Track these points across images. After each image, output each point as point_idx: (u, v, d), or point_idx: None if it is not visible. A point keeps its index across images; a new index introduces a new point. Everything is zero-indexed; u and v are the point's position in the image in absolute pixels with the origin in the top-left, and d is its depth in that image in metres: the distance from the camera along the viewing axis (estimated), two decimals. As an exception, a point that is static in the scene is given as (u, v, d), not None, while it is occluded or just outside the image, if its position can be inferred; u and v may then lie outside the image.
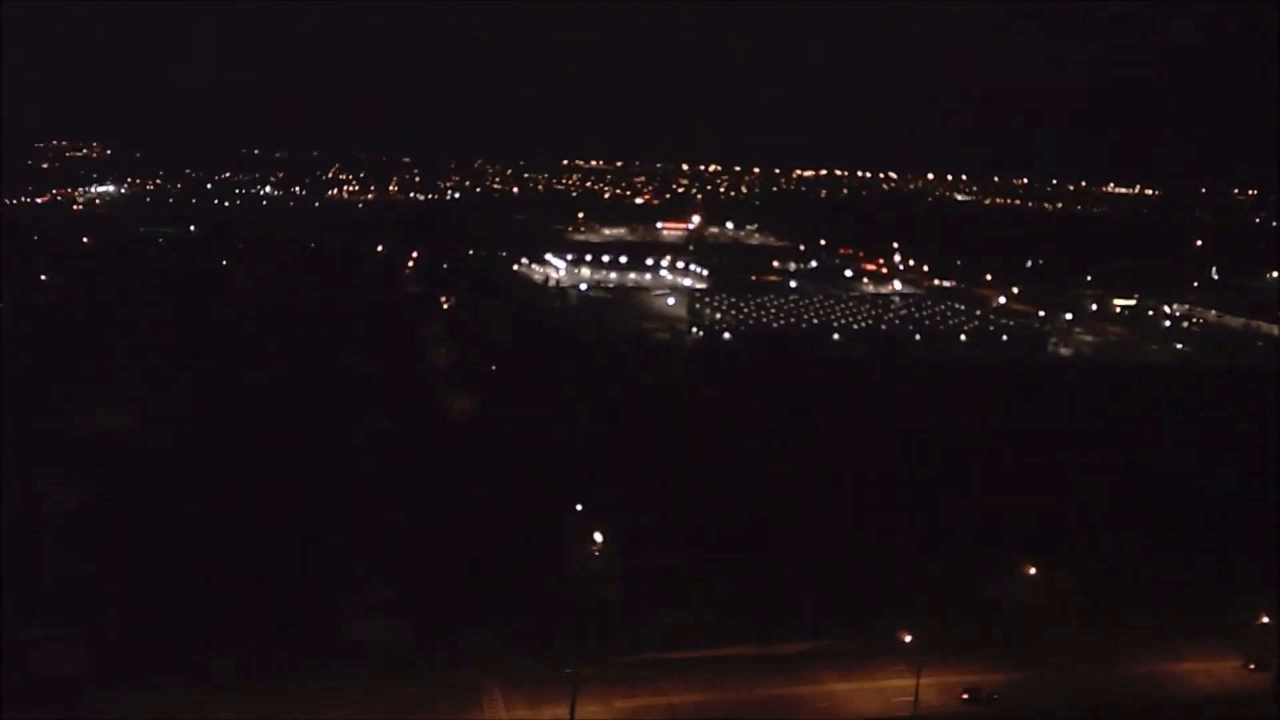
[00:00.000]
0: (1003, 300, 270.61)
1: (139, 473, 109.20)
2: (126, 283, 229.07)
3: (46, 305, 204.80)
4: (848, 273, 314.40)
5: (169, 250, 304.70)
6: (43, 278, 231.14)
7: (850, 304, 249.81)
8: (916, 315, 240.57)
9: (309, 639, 78.87)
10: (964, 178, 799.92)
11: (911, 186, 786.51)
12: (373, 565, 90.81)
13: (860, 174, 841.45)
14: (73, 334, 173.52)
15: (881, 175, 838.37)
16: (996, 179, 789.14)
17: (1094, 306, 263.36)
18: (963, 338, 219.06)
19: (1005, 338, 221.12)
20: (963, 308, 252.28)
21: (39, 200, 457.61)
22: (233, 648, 76.57)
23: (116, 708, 69.62)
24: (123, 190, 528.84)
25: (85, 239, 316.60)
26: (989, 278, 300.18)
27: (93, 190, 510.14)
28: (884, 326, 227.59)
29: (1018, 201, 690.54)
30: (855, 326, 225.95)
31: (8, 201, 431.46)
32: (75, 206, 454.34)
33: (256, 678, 74.28)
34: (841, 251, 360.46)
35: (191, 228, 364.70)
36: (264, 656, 76.29)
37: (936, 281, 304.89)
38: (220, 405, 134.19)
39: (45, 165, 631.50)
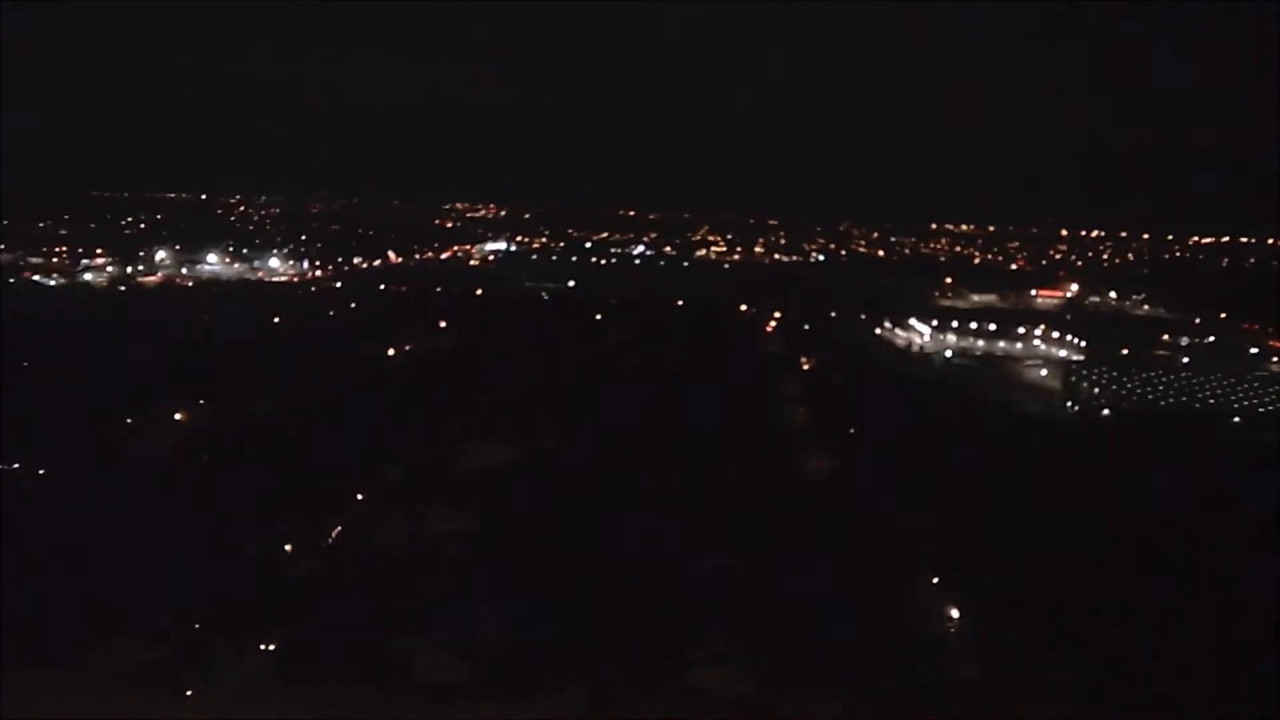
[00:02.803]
0: None
1: (518, 503, 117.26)
2: (512, 332, 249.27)
3: (445, 349, 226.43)
4: (1253, 350, 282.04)
5: (550, 303, 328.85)
6: (442, 324, 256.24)
7: (1255, 384, 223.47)
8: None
9: (653, 679, 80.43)
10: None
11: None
12: (720, 616, 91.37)
13: (1271, 241, 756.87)
14: (465, 376, 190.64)
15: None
16: None
17: None
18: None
19: None
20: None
21: (443, 256, 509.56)
22: (581, 680, 79.67)
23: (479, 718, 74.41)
24: (512, 248, 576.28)
25: (479, 291, 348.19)
26: None
27: (487, 247, 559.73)
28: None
29: None
30: (1261, 410, 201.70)
31: (417, 257, 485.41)
32: (472, 262, 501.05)
33: (599, 711, 76.59)
34: (1245, 326, 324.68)
35: (570, 283, 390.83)
36: (611, 691, 78.58)
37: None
38: (587, 448, 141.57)
39: (449, 224, 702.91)
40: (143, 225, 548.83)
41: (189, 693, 75.33)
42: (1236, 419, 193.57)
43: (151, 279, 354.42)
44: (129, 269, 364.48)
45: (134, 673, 78.82)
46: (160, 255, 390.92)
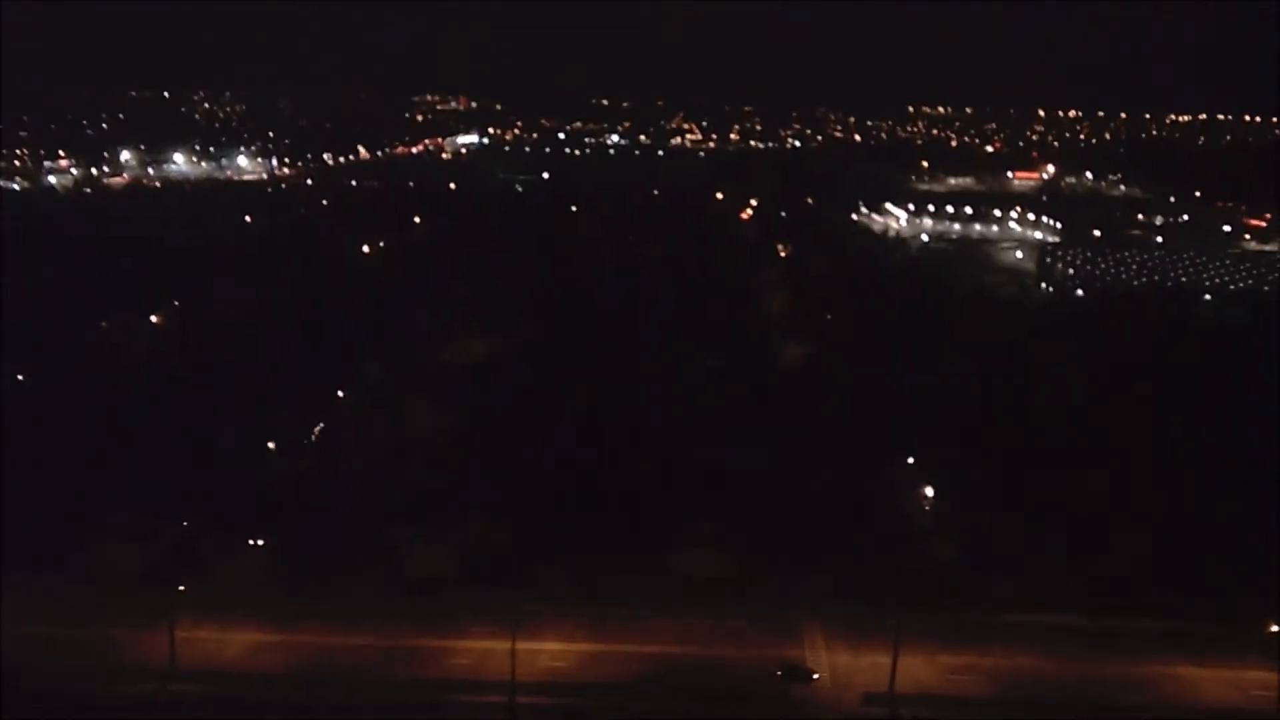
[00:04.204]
0: None
1: (498, 398, 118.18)
2: (487, 226, 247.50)
3: (419, 245, 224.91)
4: (1226, 228, 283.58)
5: (524, 196, 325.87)
6: (416, 220, 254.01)
7: (1227, 262, 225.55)
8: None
9: (638, 564, 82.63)
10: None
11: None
12: (701, 501, 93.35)
13: (1248, 119, 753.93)
14: (440, 272, 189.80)
15: (1275, 120, 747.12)
16: None
17: None
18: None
19: None
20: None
21: (414, 150, 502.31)
22: (568, 566, 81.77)
23: (469, 607, 76.29)
24: (485, 140, 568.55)
25: (452, 185, 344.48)
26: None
27: (459, 140, 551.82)
28: (1266, 288, 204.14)
29: None
30: (1231, 287, 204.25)
31: (388, 151, 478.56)
32: (444, 155, 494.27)
33: (587, 595, 78.78)
34: (1219, 205, 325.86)
35: (545, 175, 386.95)
36: (597, 576, 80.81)
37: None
38: (565, 341, 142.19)
39: (419, 118, 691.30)
40: (105, 125, 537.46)
41: (181, 589, 76.90)
42: (1208, 296, 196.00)
43: (117, 180, 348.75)
44: (93, 171, 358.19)
45: (127, 572, 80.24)
46: (125, 156, 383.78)
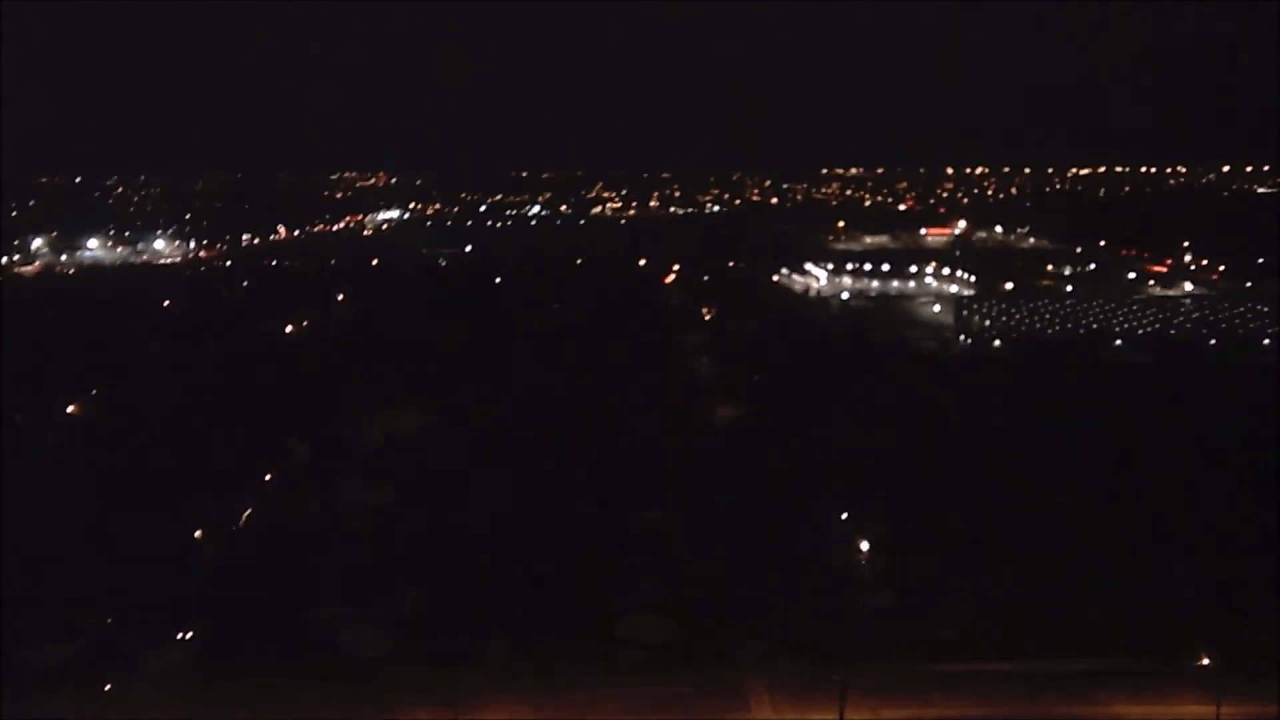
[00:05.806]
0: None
1: (430, 472, 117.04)
2: (413, 301, 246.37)
3: (343, 322, 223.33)
4: (1130, 275, 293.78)
5: (448, 270, 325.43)
6: (339, 298, 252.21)
7: (1134, 308, 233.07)
8: (1210, 318, 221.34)
9: (580, 632, 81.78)
10: (1266, 168, 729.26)
11: (1205, 180, 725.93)
12: (640, 564, 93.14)
13: (1144, 169, 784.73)
14: (365, 348, 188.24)
15: (1169, 170, 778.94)
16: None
17: None
18: (1266, 342, 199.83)
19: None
20: (1266, 310, 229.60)
21: (335, 227, 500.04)
22: (511, 638, 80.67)
23: (409, 687, 74.66)
24: (405, 216, 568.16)
25: (374, 261, 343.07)
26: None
27: (380, 216, 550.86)
28: (1172, 331, 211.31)
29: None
30: (1140, 331, 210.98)
31: (309, 229, 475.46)
32: (365, 232, 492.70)
33: (532, 667, 77.62)
34: (1124, 253, 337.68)
35: (468, 248, 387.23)
36: (539, 647, 79.74)
37: (1236, 283, 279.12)
38: (495, 412, 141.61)
39: (339, 195, 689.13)
40: (14, 213, 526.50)
41: (107, 688, 74.27)
42: (1118, 342, 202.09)
43: (29, 269, 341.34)
44: (3, 259, 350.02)
45: (47, 672, 77.28)
46: (37, 243, 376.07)
